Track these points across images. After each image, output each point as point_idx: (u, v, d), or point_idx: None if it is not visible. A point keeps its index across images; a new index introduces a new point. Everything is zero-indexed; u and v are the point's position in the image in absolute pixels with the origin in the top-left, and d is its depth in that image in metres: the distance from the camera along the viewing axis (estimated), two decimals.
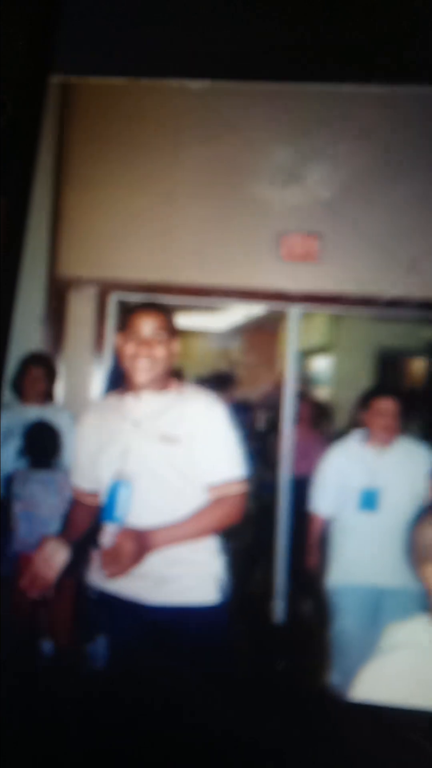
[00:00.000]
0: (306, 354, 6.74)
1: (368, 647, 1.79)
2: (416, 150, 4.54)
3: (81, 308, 4.86)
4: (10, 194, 1.71)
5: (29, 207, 1.78)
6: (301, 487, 4.04)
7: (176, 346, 2.44)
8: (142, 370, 2.36)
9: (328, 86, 4.35)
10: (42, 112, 1.79)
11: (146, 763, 1.56)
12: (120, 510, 2.33)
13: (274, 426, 5.20)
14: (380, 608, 3.37)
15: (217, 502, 2.38)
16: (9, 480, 3.55)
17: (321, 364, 7.28)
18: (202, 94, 4.53)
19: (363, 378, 6.26)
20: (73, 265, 4.87)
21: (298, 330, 4.96)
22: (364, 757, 1.52)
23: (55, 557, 2.35)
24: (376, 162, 4.59)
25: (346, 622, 3.40)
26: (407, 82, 3.52)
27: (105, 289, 4.89)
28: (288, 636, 4.65)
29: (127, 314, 2.47)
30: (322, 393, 7.04)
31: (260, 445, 5.25)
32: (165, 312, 2.44)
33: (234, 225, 4.74)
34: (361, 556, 3.42)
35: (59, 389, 4.63)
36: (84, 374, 4.87)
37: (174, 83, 4.37)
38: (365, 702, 1.66)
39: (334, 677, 3.39)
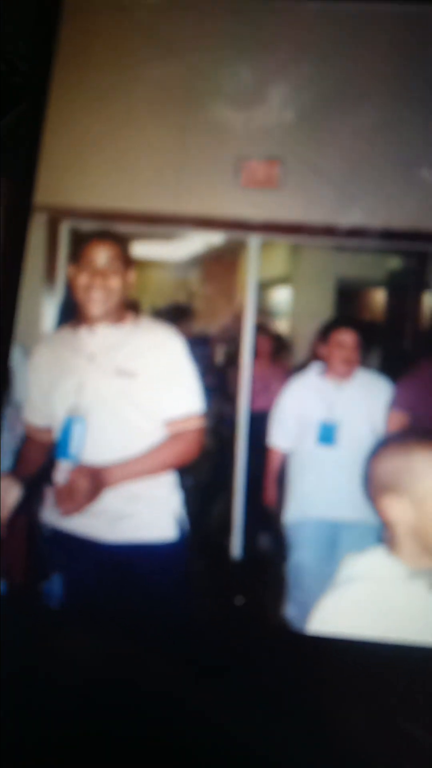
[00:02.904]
0: (265, 285, 6.66)
1: (325, 580, 1.78)
2: (384, 73, 4.40)
3: (30, 236, 4.68)
4: (13, 175, 1.66)
5: (33, 188, 1.74)
6: (259, 422, 4.03)
7: (132, 276, 2.37)
8: (96, 301, 2.30)
9: (290, 1, 4.20)
10: (45, 105, 1.77)
11: (101, 706, 1.54)
12: (74, 446, 2.29)
13: (232, 360, 5.17)
14: (337, 541, 3.39)
15: (174, 437, 2.35)
16: None
17: (280, 296, 7.21)
18: (159, 8, 4.34)
19: (323, 310, 6.20)
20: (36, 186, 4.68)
21: (258, 261, 4.88)
22: (323, 688, 1.52)
23: (7, 495, 2.31)
24: (341, 84, 4.44)
25: (303, 556, 3.43)
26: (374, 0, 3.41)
27: (56, 216, 4.70)
28: (246, 571, 4.69)
29: (80, 243, 2.39)
30: (282, 326, 7.00)
31: (219, 379, 5.22)
32: (120, 241, 2.37)
33: (192, 149, 4.58)
34: (318, 490, 3.43)
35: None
36: (34, 306, 4.73)
37: None
38: (323, 634, 1.64)
39: (291, 610, 3.42)
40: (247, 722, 1.49)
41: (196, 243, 6.44)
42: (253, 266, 4.86)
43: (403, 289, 6.21)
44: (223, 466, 4.91)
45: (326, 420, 3.44)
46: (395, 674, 1.53)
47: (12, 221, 1.68)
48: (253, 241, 4.84)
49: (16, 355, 3.67)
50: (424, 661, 1.56)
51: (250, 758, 1.47)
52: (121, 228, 4.38)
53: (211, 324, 6.06)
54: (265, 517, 4.00)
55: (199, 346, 4.66)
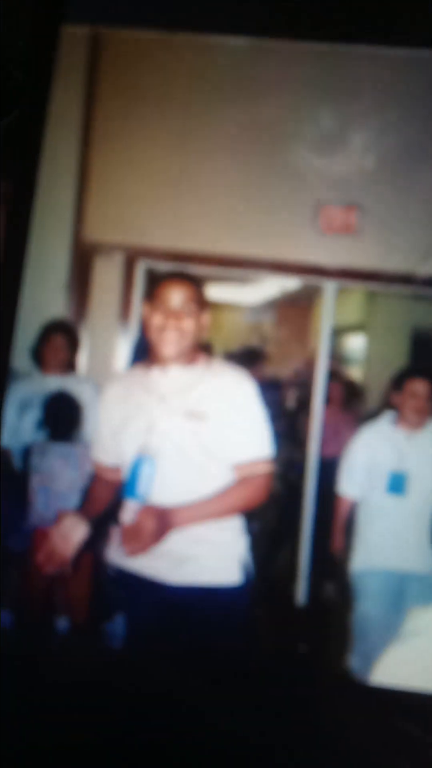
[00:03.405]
0: (340, 332, 6.64)
1: (390, 632, 1.75)
2: None
3: (107, 275, 4.74)
4: (14, 177, 1.68)
5: (34, 191, 1.75)
6: (329, 469, 4.00)
7: (206, 318, 2.37)
8: (170, 342, 2.30)
9: (377, 48, 4.21)
10: (47, 102, 1.78)
11: (157, 745, 1.53)
12: (142, 486, 2.28)
13: (304, 405, 5.14)
14: (404, 593, 3.34)
15: (242, 481, 2.33)
16: (27, 452, 3.49)
17: (355, 343, 7.17)
18: (243, 50, 4.40)
19: (397, 358, 6.13)
20: (99, 229, 4.73)
21: (333, 306, 4.86)
22: (383, 741, 1.48)
23: (73, 533, 2.31)
24: (421, 131, 4.43)
25: (368, 606, 3.37)
26: None
27: (132, 255, 4.77)
28: (310, 619, 4.62)
29: (155, 283, 2.40)
30: (355, 372, 6.95)
31: (289, 424, 5.20)
32: (195, 282, 2.37)
33: (271, 193, 4.60)
34: (386, 540, 3.38)
35: (82, 359, 4.53)
36: (108, 344, 4.78)
37: (212, 39, 4.24)
38: (386, 686, 1.61)
39: (354, 661, 3.36)
40: None
41: (271, 287, 6.46)
42: (328, 312, 4.84)
43: None
44: (290, 512, 4.87)
45: (396, 469, 3.39)
46: None
47: (13, 224, 1.70)
48: (329, 286, 4.83)
49: (88, 392, 3.72)
50: None
51: None
52: (197, 269, 4.43)
53: (283, 368, 6.05)
54: (332, 565, 3.94)
55: (271, 391, 4.66)
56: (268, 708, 1.58)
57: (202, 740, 1.52)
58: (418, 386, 3.41)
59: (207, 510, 2.27)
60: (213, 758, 1.49)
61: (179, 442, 2.28)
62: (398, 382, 3.50)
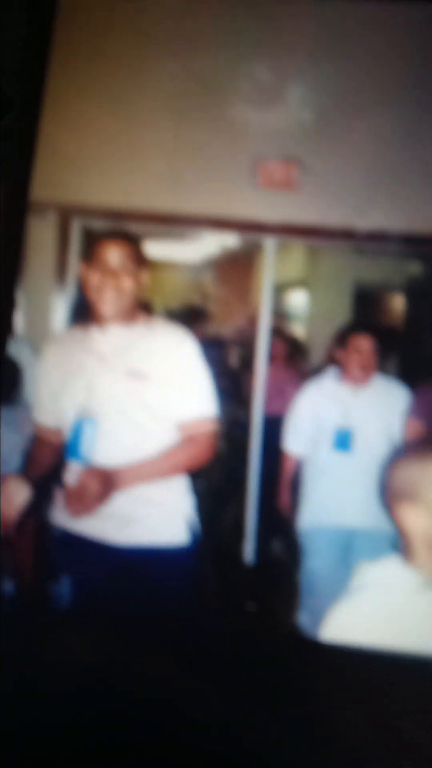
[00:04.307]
0: (281, 288, 6.64)
1: (339, 588, 1.76)
2: (404, 73, 4.35)
3: (41, 234, 4.62)
4: (8, 178, 1.64)
5: (29, 190, 1.71)
6: (273, 427, 4.00)
7: (145, 277, 2.34)
8: (108, 301, 2.26)
9: (312, 2, 4.16)
10: (40, 106, 1.75)
11: (103, 711, 1.51)
12: (85, 447, 2.26)
13: (247, 363, 5.15)
14: (351, 549, 3.37)
15: (187, 440, 2.32)
16: None
17: (297, 299, 7.19)
18: (176, 5, 4.31)
19: (340, 314, 6.17)
20: (33, 187, 4.63)
21: (274, 263, 4.83)
22: (332, 698, 1.48)
23: (17, 496, 2.27)
24: (361, 85, 4.40)
25: (316, 563, 3.40)
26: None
27: (67, 214, 4.66)
28: (258, 577, 4.66)
29: (92, 242, 2.35)
30: (298, 329, 6.98)
31: (232, 382, 5.20)
32: (133, 240, 2.34)
33: (209, 148, 4.53)
34: (333, 497, 3.40)
35: (18, 321, 4.47)
36: (45, 305, 4.69)
37: None
38: (335, 642, 1.62)
39: (303, 618, 3.39)
40: (253, 730, 1.46)
41: (211, 244, 6.41)
42: (270, 269, 4.82)
43: (423, 295, 6.17)
44: (236, 470, 4.88)
45: (342, 426, 3.40)
46: (407, 683, 1.49)
47: (8, 222, 1.66)
48: (270, 243, 4.80)
49: (26, 354, 3.65)
50: None
51: (252, 765, 1.44)
52: (135, 227, 4.35)
53: (225, 326, 6.04)
54: (279, 522, 3.97)
55: (213, 349, 4.62)
56: (215, 668, 1.57)
57: (144, 708, 1.51)
58: (362, 341, 3.41)
59: (151, 470, 2.26)
60: (155, 729, 1.48)
61: (120, 402, 2.26)
62: (342, 338, 3.50)
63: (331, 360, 3.65)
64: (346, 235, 4.61)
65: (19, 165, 1.71)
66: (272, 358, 5.01)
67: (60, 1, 1.77)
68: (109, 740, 1.46)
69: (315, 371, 4.32)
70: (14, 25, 1.65)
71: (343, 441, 3.39)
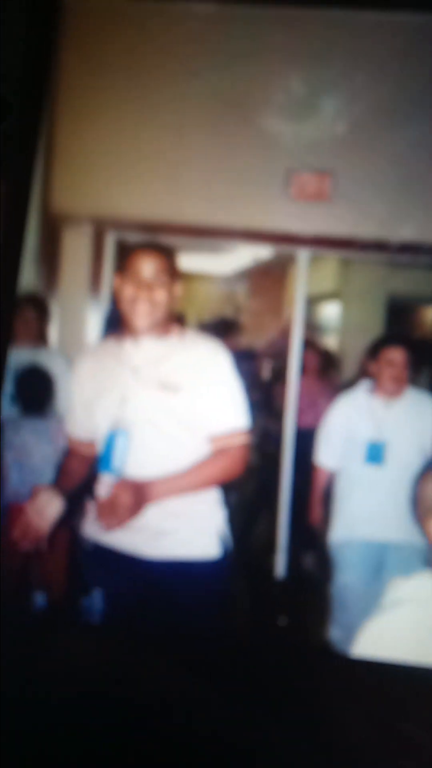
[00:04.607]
0: (314, 300, 6.61)
1: (371, 603, 1.74)
2: None
3: (76, 246, 4.66)
4: (9, 178, 1.66)
5: (31, 191, 1.73)
6: (306, 439, 3.99)
7: (178, 289, 2.34)
8: (142, 314, 2.27)
9: (347, 12, 4.15)
10: (43, 105, 1.76)
11: (138, 719, 1.51)
12: (117, 460, 2.25)
13: (279, 375, 5.13)
14: (384, 563, 3.34)
15: (218, 453, 2.31)
16: None
17: (329, 311, 7.16)
18: (211, 18, 4.33)
19: (373, 326, 6.13)
20: (68, 200, 4.64)
21: (307, 275, 4.82)
22: (365, 713, 1.47)
23: (48, 508, 2.28)
24: (394, 96, 4.38)
25: (348, 577, 3.37)
26: (428, 10, 3.35)
27: (102, 226, 4.69)
28: (290, 591, 4.63)
29: (126, 254, 2.36)
30: (330, 341, 6.94)
31: (265, 394, 5.19)
32: (166, 253, 2.34)
33: (242, 161, 4.53)
34: (365, 510, 3.38)
35: (53, 332, 4.48)
36: (79, 317, 4.71)
37: (178, 7, 4.16)
38: (367, 657, 1.61)
39: (334, 633, 3.37)
40: (285, 744, 1.45)
41: (244, 256, 6.41)
42: (302, 280, 4.81)
43: None
44: (268, 483, 4.86)
45: (374, 439, 3.38)
46: None
47: (9, 224, 1.68)
48: (303, 255, 4.79)
49: (59, 366, 3.67)
50: None
51: None
52: (168, 240, 4.36)
53: (258, 338, 6.02)
54: (310, 536, 3.94)
55: (246, 361, 4.63)
56: (247, 683, 1.56)
57: (175, 722, 1.50)
58: (395, 354, 3.39)
59: (183, 483, 2.25)
60: (187, 742, 1.47)
61: (153, 415, 2.26)
62: (374, 350, 3.48)
63: (364, 373, 3.63)
64: (379, 247, 4.59)
65: (20, 166, 1.72)
66: (304, 370, 5.00)
67: (63, 8, 1.79)
68: (137, 752, 1.46)
69: (347, 384, 4.29)
70: (15, 29, 1.67)
71: (376, 454, 3.36)
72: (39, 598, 2.54)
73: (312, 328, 6.26)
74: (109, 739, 1.50)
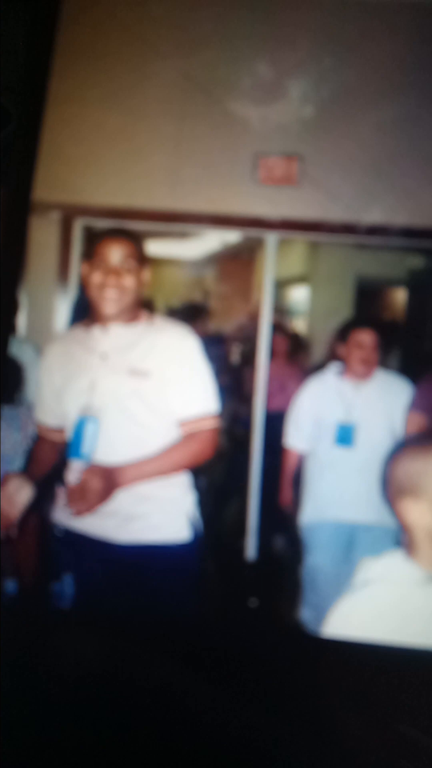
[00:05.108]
0: (282, 284, 6.63)
1: (341, 583, 1.76)
2: (405, 67, 4.33)
3: (43, 234, 4.61)
4: (8, 184, 1.65)
5: (30, 197, 1.73)
6: (275, 422, 4.00)
7: (146, 275, 2.34)
8: (110, 300, 2.26)
9: None
10: (42, 112, 1.76)
11: (111, 704, 1.52)
12: (87, 446, 2.26)
13: (248, 359, 5.15)
14: (354, 544, 3.37)
15: (188, 437, 2.32)
16: None
17: (298, 295, 7.18)
18: (175, 3, 4.30)
19: (341, 309, 6.16)
20: (34, 188, 4.62)
21: (275, 258, 4.83)
22: (337, 693, 1.49)
23: (19, 494, 2.28)
24: (360, 79, 4.38)
25: (319, 558, 3.40)
26: None
27: (69, 213, 4.65)
28: (261, 573, 4.66)
29: (94, 241, 2.35)
30: (299, 325, 6.97)
31: (234, 379, 5.20)
32: (134, 239, 2.33)
33: (209, 145, 4.51)
34: (335, 492, 3.40)
35: (21, 321, 4.47)
36: (47, 305, 4.68)
37: None
38: (338, 637, 1.61)
39: (306, 613, 3.39)
40: (256, 726, 1.46)
41: (212, 241, 6.40)
42: (271, 264, 4.81)
43: (425, 289, 6.17)
44: (237, 466, 4.88)
45: (344, 421, 3.40)
46: (411, 678, 1.50)
47: (9, 229, 1.67)
48: (271, 238, 4.79)
49: (28, 354, 3.65)
50: None
51: (254, 762, 1.44)
52: (136, 226, 4.35)
53: (226, 323, 6.03)
54: (281, 518, 3.97)
55: (215, 345, 4.64)
56: (218, 665, 1.57)
57: (147, 705, 1.51)
58: (364, 336, 3.40)
59: (153, 467, 2.26)
60: (158, 725, 1.48)
61: (122, 400, 2.26)
62: (343, 333, 3.49)
63: (333, 355, 3.65)
64: (347, 229, 4.60)
65: (20, 172, 1.72)
66: (274, 354, 5.01)
67: (61, 10, 1.78)
68: (110, 738, 1.47)
69: (317, 367, 4.31)
70: (15, 37, 1.66)
71: (345, 436, 3.38)
72: (9, 584, 2.53)
73: (281, 311, 6.29)
74: (78, 725, 1.50)
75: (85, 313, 2.43)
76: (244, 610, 3.89)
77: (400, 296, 7.16)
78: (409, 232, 4.55)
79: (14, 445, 3.02)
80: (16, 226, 1.72)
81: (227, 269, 7.11)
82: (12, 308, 1.77)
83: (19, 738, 1.49)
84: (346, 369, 3.46)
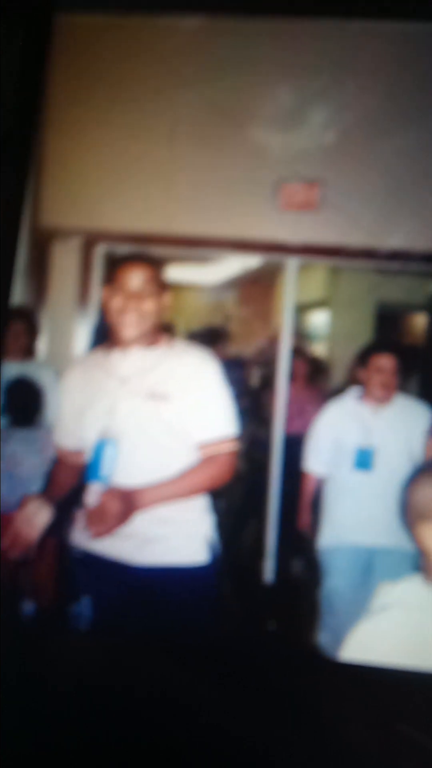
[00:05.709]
0: (303, 308, 6.64)
1: (359, 608, 1.76)
2: (424, 93, 4.36)
3: (64, 259, 4.67)
4: (1, 197, 1.68)
5: (22, 210, 1.75)
6: (294, 446, 4.00)
7: (166, 299, 2.36)
8: (130, 324, 2.28)
9: (333, 23, 4.18)
10: (34, 123, 1.78)
11: (130, 724, 1.52)
12: (105, 469, 2.27)
13: (268, 383, 5.15)
14: (372, 568, 3.35)
15: (207, 460, 2.32)
16: None
17: (318, 319, 7.19)
18: (198, 31, 4.35)
19: (361, 334, 6.16)
20: (56, 214, 4.65)
21: (296, 283, 4.84)
22: (353, 717, 1.49)
23: (37, 517, 2.29)
24: (381, 106, 4.41)
25: (336, 582, 3.38)
26: (416, 19, 3.37)
27: (90, 239, 4.70)
28: (278, 596, 4.64)
29: (114, 266, 2.37)
30: (319, 349, 6.97)
31: (253, 402, 5.20)
32: (154, 263, 2.36)
33: (230, 171, 4.55)
34: (354, 516, 3.39)
35: (41, 345, 4.50)
36: (68, 329, 4.72)
37: (167, 20, 4.19)
38: (355, 662, 1.63)
39: (323, 637, 3.38)
40: (274, 749, 1.47)
41: (232, 266, 6.43)
42: (291, 289, 4.83)
43: None
44: (256, 489, 4.88)
45: (363, 445, 3.39)
46: (430, 703, 1.50)
47: (2, 242, 1.70)
48: (291, 263, 4.81)
49: (48, 377, 3.69)
50: None
51: None
52: (157, 251, 4.38)
53: (246, 347, 6.05)
54: (299, 542, 3.96)
55: (234, 369, 4.64)
56: (236, 688, 1.58)
57: (166, 727, 1.52)
58: (384, 361, 3.41)
59: (172, 490, 2.26)
60: (179, 748, 1.49)
61: (141, 423, 2.27)
62: (363, 357, 3.50)
63: (353, 380, 3.65)
64: (367, 254, 4.61)
65: (12, 185, 1.74)
66: (293, 377, 5.01)
67: (57, 34, 1.81)
68: (129, 757, 1.47)
69: (336, 391, 4.31)
70: (9, 54, 1.69)
71: (364, 460, 3.38)
72: (27, 606, 2.54)
73: (301, 336, 6.29)
74: (100, 745, 1.51)
75: (105, 337, 2.45)
76: (261, 633, 3.87)
77: (420, 321, 7.13)
78: (429, 258, 4.55)
79: (33, 468, 3.04)
80: (8, 238, 1.75)
81: (248, 293, 7.14)
82: (5, 317, 1.78)
83: (42, 759, 1.50)
84: (366, 393, 3.46)
